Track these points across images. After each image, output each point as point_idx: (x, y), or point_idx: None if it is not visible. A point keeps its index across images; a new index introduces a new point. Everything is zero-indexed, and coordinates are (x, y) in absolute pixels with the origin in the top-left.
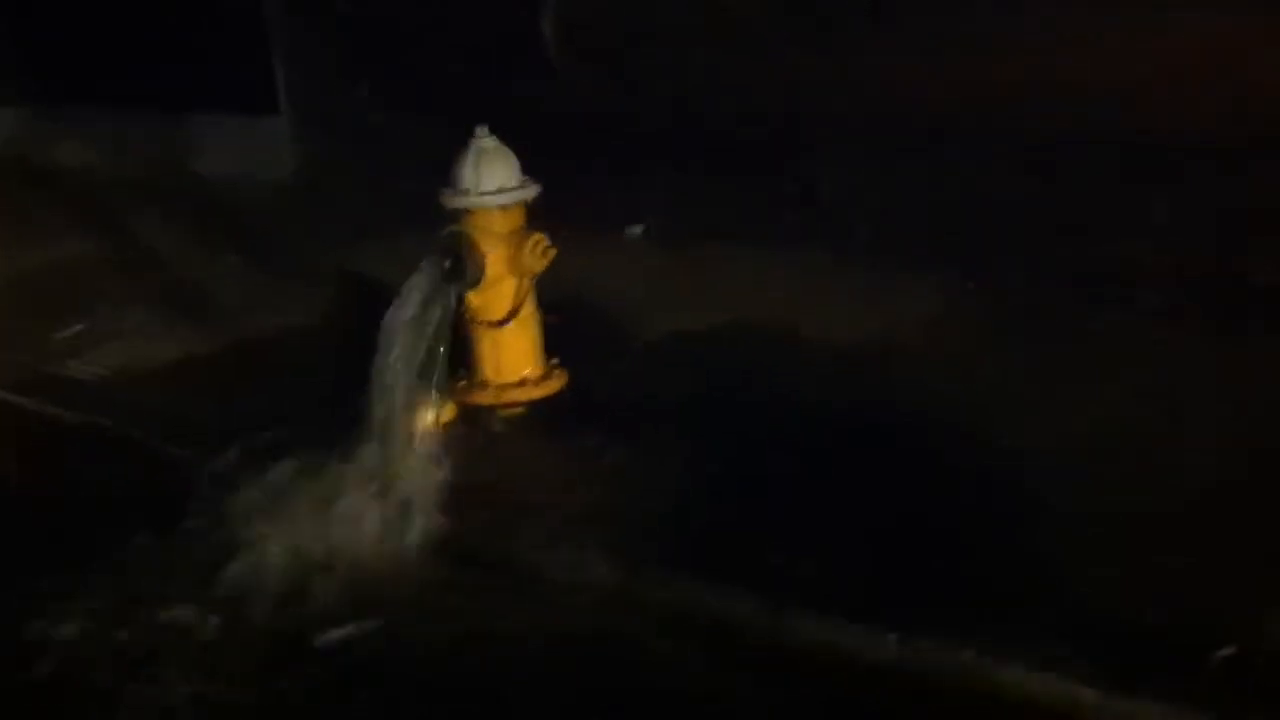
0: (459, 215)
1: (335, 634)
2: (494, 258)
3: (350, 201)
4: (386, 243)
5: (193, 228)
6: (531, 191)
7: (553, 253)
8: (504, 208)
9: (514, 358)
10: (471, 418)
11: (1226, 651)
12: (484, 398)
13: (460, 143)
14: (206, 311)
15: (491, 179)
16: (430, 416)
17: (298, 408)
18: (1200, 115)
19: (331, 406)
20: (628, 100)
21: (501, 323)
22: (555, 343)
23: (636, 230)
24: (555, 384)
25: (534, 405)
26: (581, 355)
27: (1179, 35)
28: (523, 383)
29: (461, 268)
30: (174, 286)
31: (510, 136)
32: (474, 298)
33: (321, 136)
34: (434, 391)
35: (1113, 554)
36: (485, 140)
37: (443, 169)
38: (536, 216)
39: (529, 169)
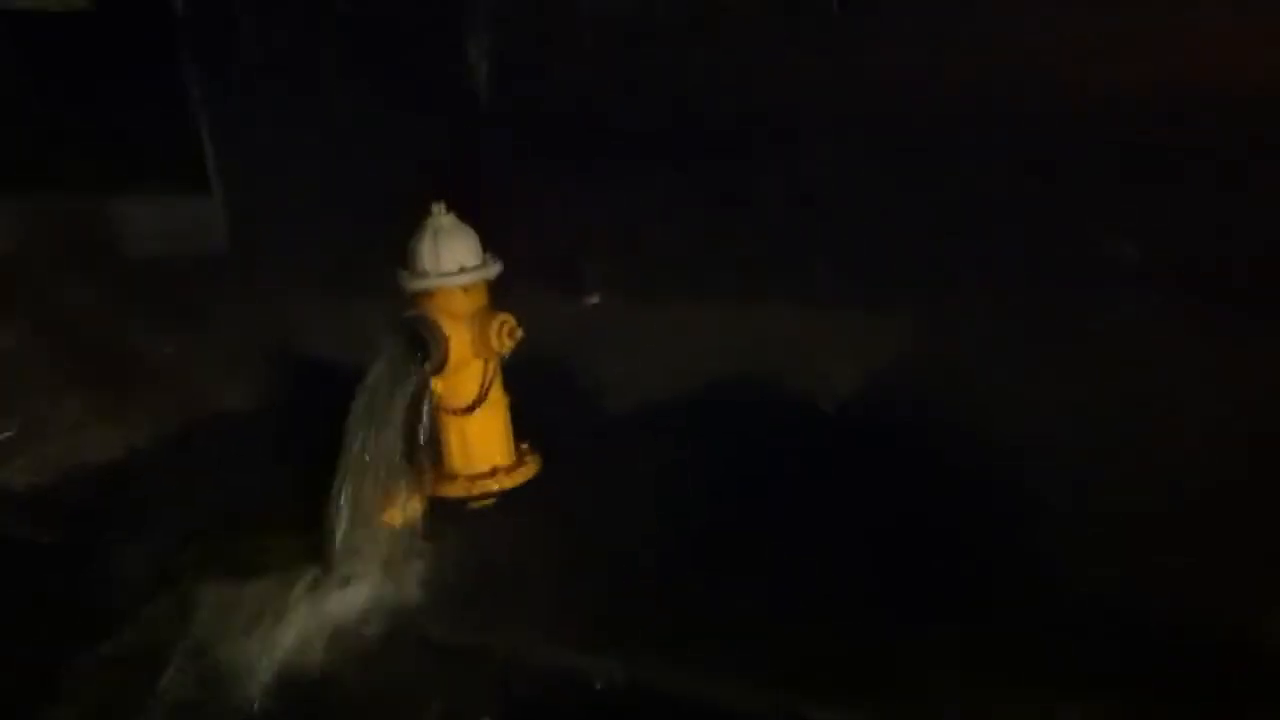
0: (418, 297)
1: None
2: (457, 341)
3: (291, 278)
4: (333, 321)
5: (124, 312)
6: (494, 270)
7: (519, 334)
8: (465, 288)
9: (483, 446)
10: (441, 512)
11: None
12: (454, 489)
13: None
14: (146, 400)
15: (451, 258)
16: (397, 512)
17: (252, 502)
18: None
19: (289, 500)
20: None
21: (469, 409)
22: (522, 425)
23: (594, 300)
24: (528, 470)
25: (506, 495)
26: (551, 435)
27: (1187, 33)
28: (494, 471)
29: (422, 349)
30: (109, 375)
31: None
32: (438, 384)
33: (256, 214)
34: (404, 484)
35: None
36: (442, 218)
37: (384, 243)
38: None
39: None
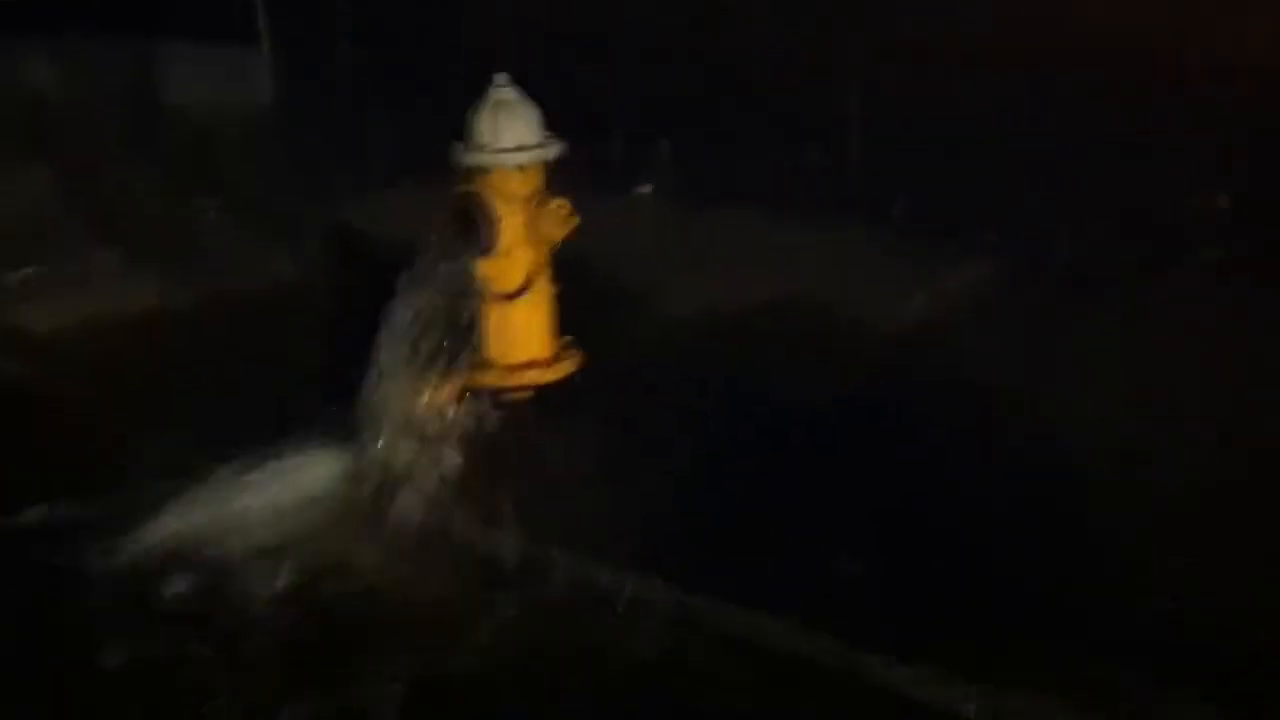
0: (471, 173)
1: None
2: (509, 223)
3: (334, 140)
4: (374, 187)
5: (165, 163)
6: (553, 150)
7: (575, 221)
8: (523, 167)
9: (524, 336)
10: (472, 400)
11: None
12: (488, 378)
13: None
14: (180, 261)
15: (510, 134)
16: (428, 399)
17: (284, 383)
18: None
19: (323, 384)
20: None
21: (512, 296)
22: (568, 319)
23: (645, 190)
24: (567, 367)
25: (542, 390)
26: (597, 334)
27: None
28: (531, 364)
29: (472, 233)
30: (145, 231)
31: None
32: (484, 266)
33: (303, 68)
34: (441, 367)
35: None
36: (504, 90)
37: (435, 110)
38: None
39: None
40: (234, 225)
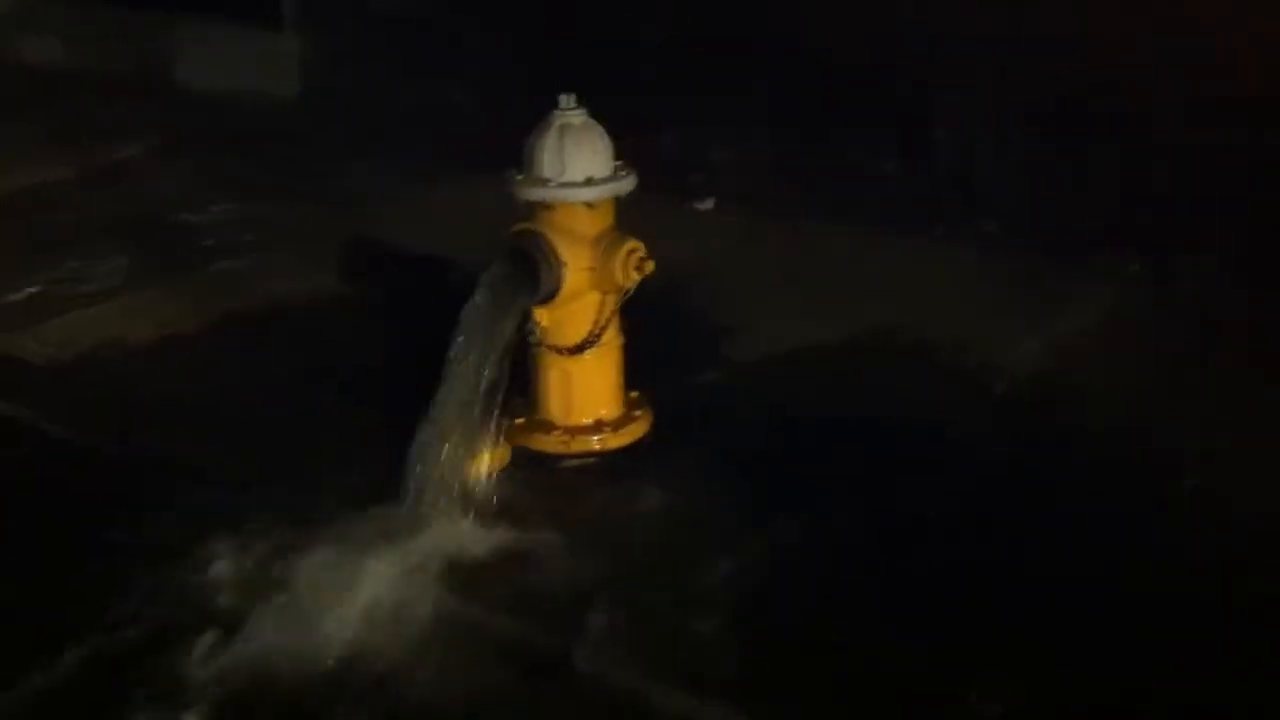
0: (532, 209)
1: None
2: (575, 268)
3: (365, 133)
4: (409, 189)
5: (185, 155)
6: (627, 184)
7: (650, 267)
8: (591, 205)
9: (589, 395)
10: (530, 467)
11: None
12: (548, 444)
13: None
14: (200, 273)
15: (578, 165)
16: (481, 461)
17: (316, 433)
18: None
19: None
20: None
21: (577, 350)
22: (632, 363)
23: (708, 204)
24: (637, 429)
25: (608, 456)
26: (665, 381)
27: None
28: (598, 425)
29: (531, 276)
30: (162, 235)
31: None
32: (544, 315)
33: (330, 55)
34: (492, 429)
35: None
36: (572, 114)
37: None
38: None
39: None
40: (255, 227)
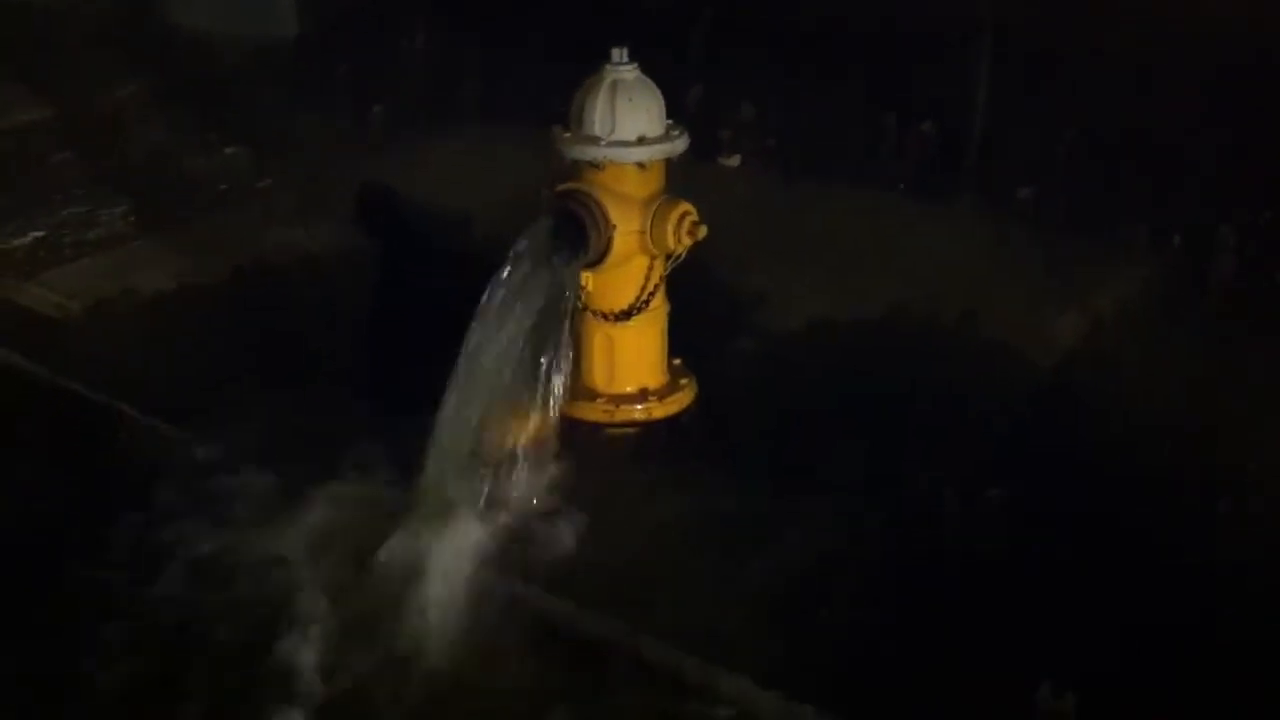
0: (580, 168)
1: None
2: (624, 230)
3: (367, 76)
4: (414, 137)
5: (180, 99)
6: (680, 144)
7: (702, 231)
8: (643, 165)
9: (633, 363)
10: (570, 437)
11: None
12: (590, 412)
13: None
14: (199, 224)
15: (630, 124)
16: (520, 432)
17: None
18: None
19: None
20: None
21: (623, 316)
22: (672, 331)
23: (734, 160)
24: (682, 398)
25: (653, 426)
26: (706, 352)
27: None
28: (642, 395)
29: (578, 238)
30: (162, 183)
31: None
32: (590, 279)
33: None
34: (532, 398)
35: None
36: (625, 70)
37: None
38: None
39: None
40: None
